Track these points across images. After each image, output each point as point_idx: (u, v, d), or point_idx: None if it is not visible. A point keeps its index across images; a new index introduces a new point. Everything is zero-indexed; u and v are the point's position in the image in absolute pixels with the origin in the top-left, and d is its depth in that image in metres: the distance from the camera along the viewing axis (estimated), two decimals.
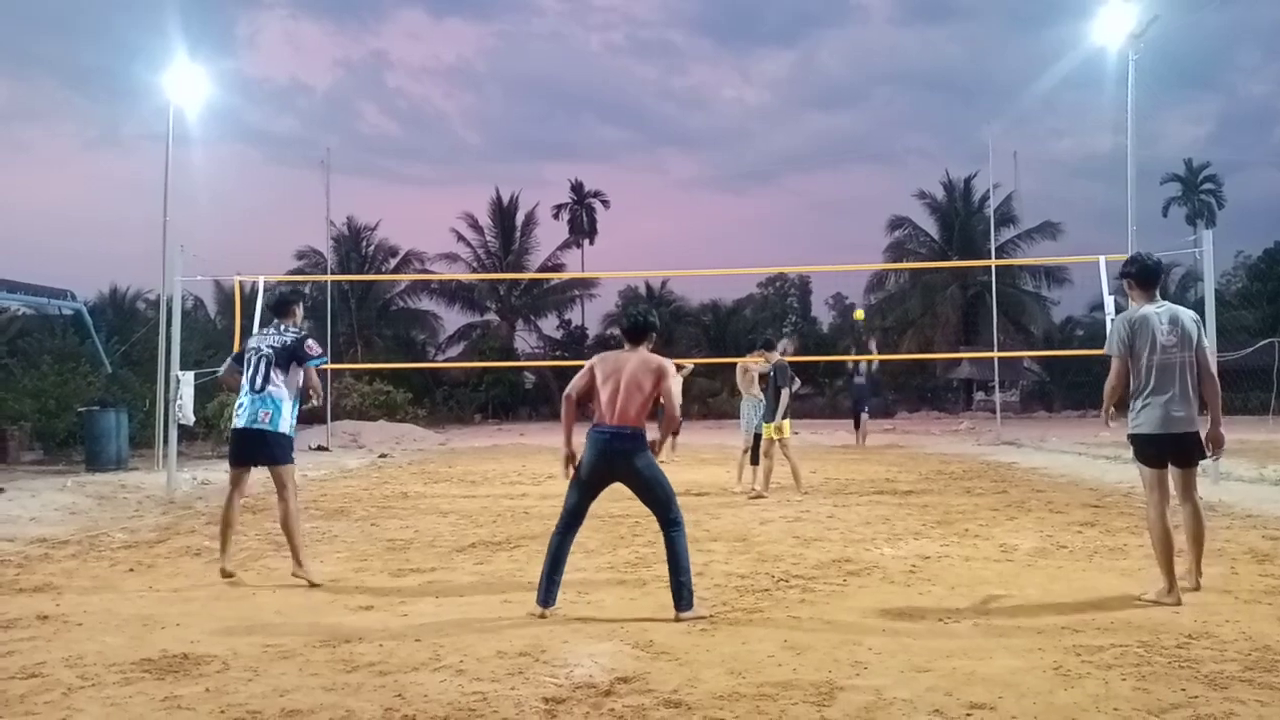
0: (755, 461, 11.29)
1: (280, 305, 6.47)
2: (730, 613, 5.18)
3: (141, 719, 3.56)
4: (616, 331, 45.94)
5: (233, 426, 6.29)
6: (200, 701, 3.75)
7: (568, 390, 5.38)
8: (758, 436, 11.38)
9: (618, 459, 5.16)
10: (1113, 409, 5.77)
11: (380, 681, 3.99)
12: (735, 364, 12.67)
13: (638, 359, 5.31)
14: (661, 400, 5.28)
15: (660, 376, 5.22)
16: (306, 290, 39.65)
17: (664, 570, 6.30)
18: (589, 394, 5.36)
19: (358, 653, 4.44)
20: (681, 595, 5.12)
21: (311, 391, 6.38)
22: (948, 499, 10.58)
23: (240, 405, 6.18)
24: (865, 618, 5.05)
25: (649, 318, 5.50)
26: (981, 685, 3.83)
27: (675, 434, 16.30)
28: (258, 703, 3.72)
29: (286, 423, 6.13)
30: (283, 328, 6.32)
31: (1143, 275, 5.67)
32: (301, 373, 6.24)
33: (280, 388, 6.10)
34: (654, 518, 5.31)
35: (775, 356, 11.07)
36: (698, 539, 7.77)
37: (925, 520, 8.76)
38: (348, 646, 4.55)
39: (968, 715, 3.50)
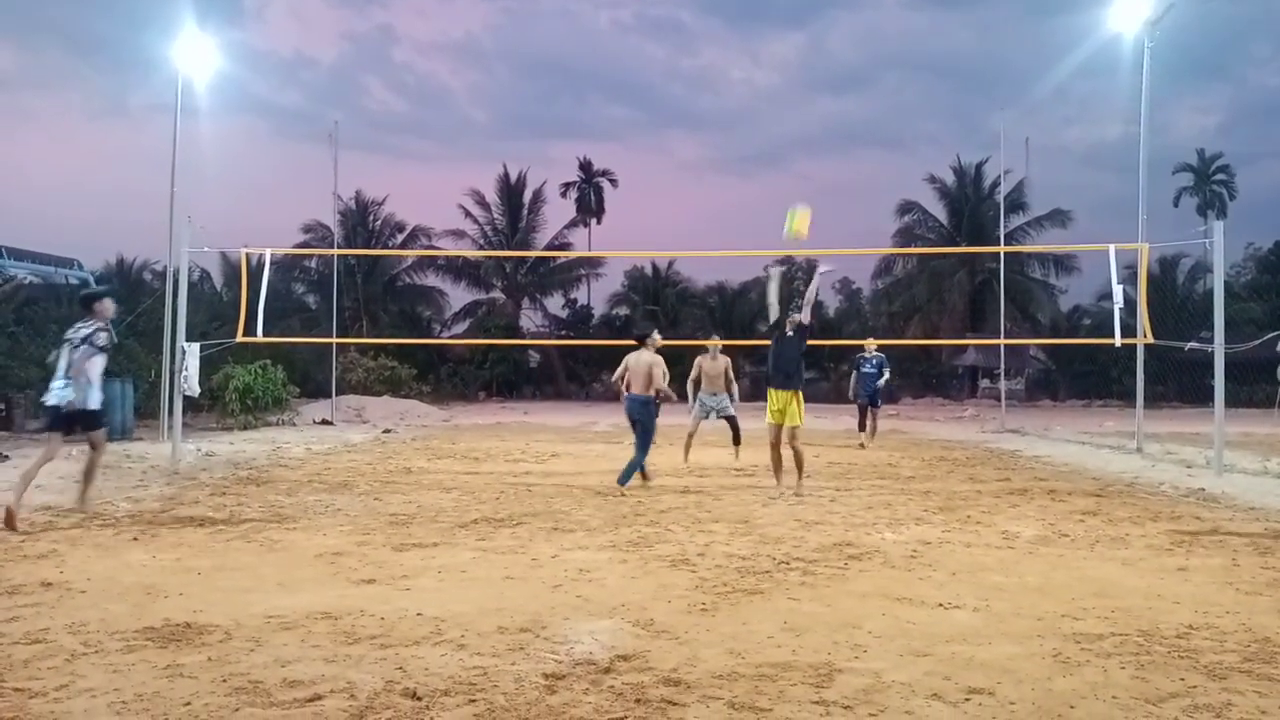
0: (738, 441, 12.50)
1: (86, 300, 8.02)
2: (731, 593, 5.19)
3: (144, 686, 3.58)
4: (622, 311, 46.03)
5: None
6: (202, 670, 3.77)
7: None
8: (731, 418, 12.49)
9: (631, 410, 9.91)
10: None
11: (381, 654, 4.01)
12: (719, 354, 12.69)
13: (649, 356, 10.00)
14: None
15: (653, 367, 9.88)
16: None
17: (666, 550, 6.42)
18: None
19: (359, 625, 4.47)
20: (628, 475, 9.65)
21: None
22: (950, 485, 10.58)
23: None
24: (865, 601, 5.06)
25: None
26: (980, 670, 3.84)
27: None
28: (259, 673, 3.74)
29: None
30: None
31: None
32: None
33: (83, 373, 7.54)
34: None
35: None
36: (700, 520, 7.79)
37: (927, 506, 8.76)
38: (349, 619, 4.57)
39: (966, 699, 3.51)
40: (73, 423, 7.81)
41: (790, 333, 9.48)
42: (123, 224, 61.49)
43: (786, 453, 9.55)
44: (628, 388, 10.21)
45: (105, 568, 5.76)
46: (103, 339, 7.73)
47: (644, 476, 10.06)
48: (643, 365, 10.04)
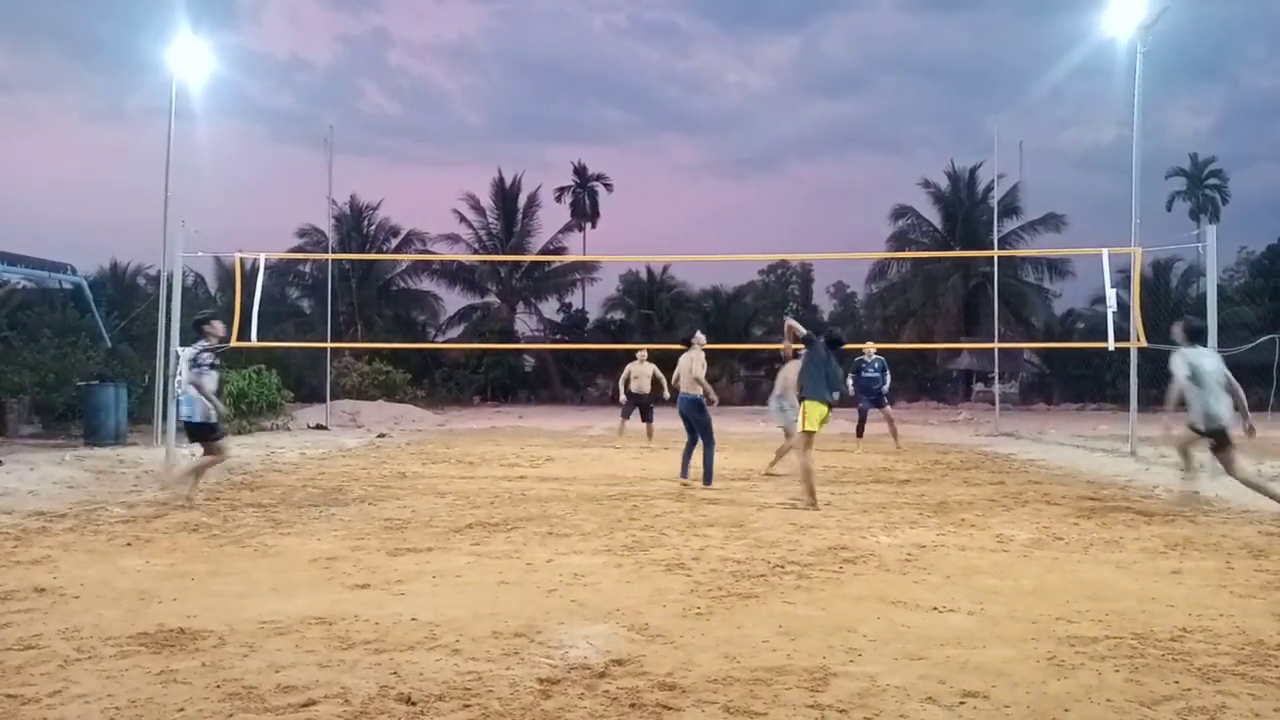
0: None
1: (197, 324, 9.01)
2: (726, 597, 5.19)
3: (137, 692, 3.57)
4: (617, 315, 46.02)
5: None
6: (196, 676, 3.76)
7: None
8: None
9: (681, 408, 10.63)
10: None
11: (376, 659, 4.00)
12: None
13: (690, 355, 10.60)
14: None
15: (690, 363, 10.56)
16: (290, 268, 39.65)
17: (661, 554, 6.44)
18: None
19: (354, 630, 4.46)
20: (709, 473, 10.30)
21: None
22: (945, 489, 10.59)
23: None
24: (860, 605, 5.06)
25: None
26: (975, 674, 3.84)
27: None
28: (253, 678, 3.73)
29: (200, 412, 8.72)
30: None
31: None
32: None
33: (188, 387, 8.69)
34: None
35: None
36: (695, 524, 7.80)
37: (922, 509, 8.76)
38: (343, 624, 4.57)
39: (961, 703, 3.51)
40: (206, 435, 8.91)
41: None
42: (118, 226, 61.48)
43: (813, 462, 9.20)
44: (679, 386, 10.85)
45: (98, 573, 5.74)
46: (208, 357, 8.77)
47: (683, 478, 10.55)
48: (684, 365, 10.69)
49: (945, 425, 26.13)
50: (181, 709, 3.40)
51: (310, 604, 4.97)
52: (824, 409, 9.04)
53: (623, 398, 16.87)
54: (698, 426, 10.59)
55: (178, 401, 8.97)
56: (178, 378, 8.77)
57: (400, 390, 31.19)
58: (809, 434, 9.03)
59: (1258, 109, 74.41)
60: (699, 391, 10.53)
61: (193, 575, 5.73)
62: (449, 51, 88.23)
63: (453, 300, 45.40)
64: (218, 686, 3.63)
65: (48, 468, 11.17)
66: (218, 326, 9.15)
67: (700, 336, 10.98)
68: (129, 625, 4.51)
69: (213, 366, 8.80)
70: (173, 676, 3.75)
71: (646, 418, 16.68)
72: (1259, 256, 44.59)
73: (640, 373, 16.72)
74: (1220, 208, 49.98)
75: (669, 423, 13.67)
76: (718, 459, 10.97)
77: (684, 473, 10.63)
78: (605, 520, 7.99)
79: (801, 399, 9.16)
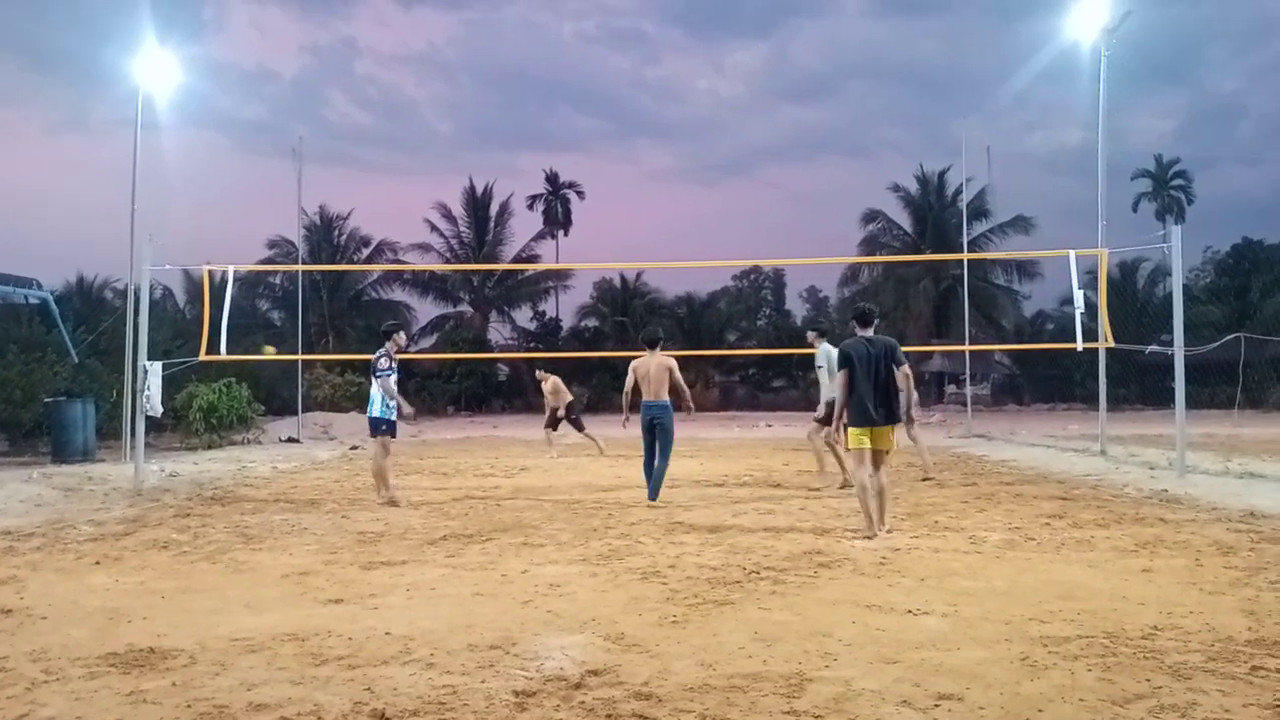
0: None
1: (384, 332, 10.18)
2: (702, 605, 5.19)
3: (107, 713, 3.52)
4: (591, 323, 45.97)
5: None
6: (166, 695, 3.71)
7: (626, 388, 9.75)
8: None
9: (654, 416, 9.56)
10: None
11: (349, 675, 3.97)
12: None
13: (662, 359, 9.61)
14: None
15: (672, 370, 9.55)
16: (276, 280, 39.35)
17: (636, 562, 6.43)
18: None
19: (326, 646, 4.42)
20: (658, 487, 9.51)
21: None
22: (918, 491, 10.65)
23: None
24: (835, 609, 5.07)
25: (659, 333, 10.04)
26: (949, 676, 3.86)
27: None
28: (225, 696, 3.69)
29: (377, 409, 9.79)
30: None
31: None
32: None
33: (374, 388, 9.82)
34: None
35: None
36: (670, 531, 7.79)
37: (895, 512, 8.78)
38: (316, 640, 4.52)
39: (935, 706, 3.52)
40: (377, 428, 9.88)
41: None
42: (84, 240, 60.57)
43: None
44: (637, 394, 9.60)
45: (67, 592, 5.66)
46: (383, 363, 9.72)
47: (652, 501, 9.44)
48: (660, 369, 9.51)
49: (918, 427, 26.26)
50: None
51: (282, 620, 4.92)
52: (865, 430, 7.58)
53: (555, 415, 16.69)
54: (662, 436, 9.52)
55: (370, 401, 9.95)
56: (146, 393, 8.74)
57: None
58: (854, 452, 7.70)
59: (1220, 111, 75.77)
60: (669, 398, 9.51)
61: (163, 593, 5.65)
62: (417, 60, 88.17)
63: (425, 310, 45.23)
64: (189, 706, 3.58)
65: (15, 485, 11.00)
66: (400, 338, 10.21)
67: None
68: (98, 645, 4.44)
69: (391, 370, 9.74)
70: (143, 697, 3.70)
71: (579, 427, 16.57)
72: (1224, 256, 45.21)
73: (549, 391, 16.59)
74: (1185, 208, 50.75)
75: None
76: (673, 467, 10.06)
77: (654, 494, 9.51)
78: (580, 529, 7.97)
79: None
